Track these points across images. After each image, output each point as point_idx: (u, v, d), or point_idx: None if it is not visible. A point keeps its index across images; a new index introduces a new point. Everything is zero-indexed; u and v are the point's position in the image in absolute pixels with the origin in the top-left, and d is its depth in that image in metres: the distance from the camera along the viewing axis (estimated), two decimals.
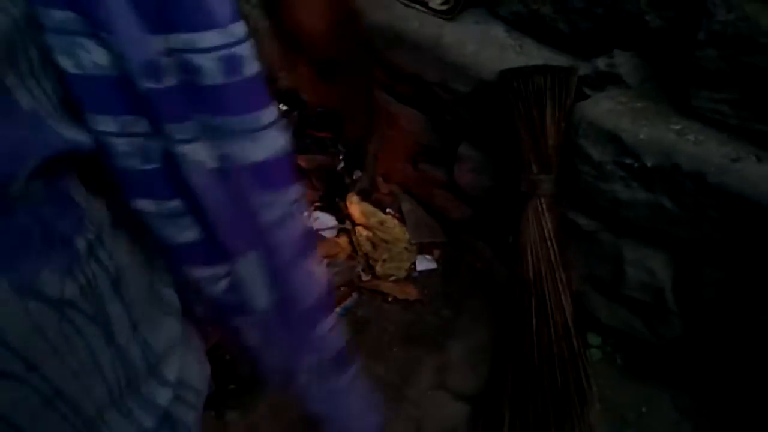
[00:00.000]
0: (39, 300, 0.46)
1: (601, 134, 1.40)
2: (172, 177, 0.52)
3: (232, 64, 0.50)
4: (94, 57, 0.46)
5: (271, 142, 0.54)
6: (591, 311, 1.70)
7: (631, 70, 1.44)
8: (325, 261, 2.01)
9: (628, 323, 1.64)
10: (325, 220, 2.16)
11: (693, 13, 1.29)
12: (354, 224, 2.11)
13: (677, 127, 1.35)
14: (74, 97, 0.47)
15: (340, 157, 2.32)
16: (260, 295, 0.61)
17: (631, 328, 1.63)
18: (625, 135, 1.36)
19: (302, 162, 2.29)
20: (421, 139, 1.97)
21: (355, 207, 2.13)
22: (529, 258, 1.52)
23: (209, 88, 0.50)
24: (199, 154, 0.51)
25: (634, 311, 1.61)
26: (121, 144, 0.49)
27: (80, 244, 0.49)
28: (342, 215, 2.17)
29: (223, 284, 0.59)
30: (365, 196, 2.20)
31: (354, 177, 2.30)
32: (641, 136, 1.35)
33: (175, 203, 0.53)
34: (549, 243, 1.51)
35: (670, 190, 1.34)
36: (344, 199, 2.18)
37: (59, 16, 0.44)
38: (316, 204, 2.22)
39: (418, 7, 1.77)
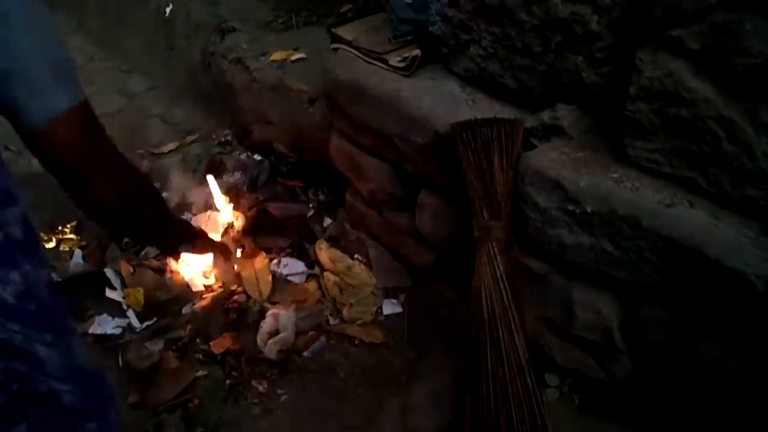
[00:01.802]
0: None
1: (546, 182, 1.48)
2: None
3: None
4: None
5: None
6: (547, 352, 1.75)
7: (573, 122, 1.53)
8: (294, 305, 2.06)
9: (582, 363, 1.69)
10: (294, 266, 2.23)
11: (625, 70, 1.38)
12: (322, 270, 2.18)
13: (615, 175, 1.44)
14: None
15: (310, 205, 2.40)
16: None
17: (585, 367, 1.69)
18: (567, 183, 1.45)
19: (273, 210, 2.37)
20: (385, 187, 2.05)
21: (324, 253, 2.19)
22: (484, 300, 1.59)
23: None
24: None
25: (586, 351, 1.67)
26: None
27: None
28: (311, 261, 2.23)
29: None
30: (334, 243, 2.26)
31: (323, 224, 2.38)
32: (582, 184, 1.43)
33: None
34: (502, 285, 1.57)
35: (609, 234, 1.42)
36: (313, 246, 2.25)
37: None
38: (286, 250, 2.28)
39: (378, 64, 1.87)
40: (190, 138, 3.06)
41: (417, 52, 1.78)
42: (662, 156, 1.38)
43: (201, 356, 1.99)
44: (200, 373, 1.93)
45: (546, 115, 1.56)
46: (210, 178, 2.36)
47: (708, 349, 1.40)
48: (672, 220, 1.34)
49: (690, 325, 1.41)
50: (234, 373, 1.95)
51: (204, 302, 2.13)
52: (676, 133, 1.33)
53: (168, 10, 3.32)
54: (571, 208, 1.45)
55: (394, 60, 1.83)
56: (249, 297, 2.13)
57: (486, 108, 1.70)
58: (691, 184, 1.36)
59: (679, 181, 1.39)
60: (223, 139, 2.98)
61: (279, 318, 2.00)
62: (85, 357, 0.97)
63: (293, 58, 2.56)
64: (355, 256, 2.23)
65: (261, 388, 1.90)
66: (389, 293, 2.15)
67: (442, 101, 1.73)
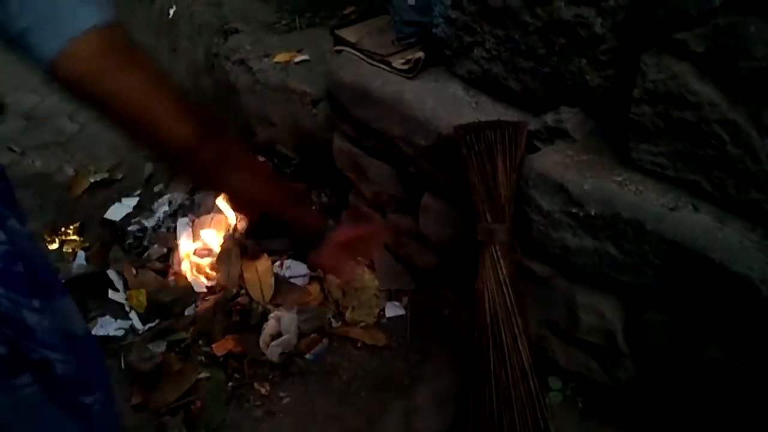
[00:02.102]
0: None
1: (550, 185, 1.48)
2: None
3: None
4: None
5: None
6: (551, 355, 1.75)
7: (577, 125, 1.53)
8: (297, 308, 2.06)
9: (585, 366, 1.69)
10: (297, 268, 2.23)
11: (629, 72, 1.38)
12: (325, 272, 2.17)
13: (619, 178, 1.43)
14: None
15: (313, 207, 2.40)
16: None
17: (589, 371, 1.68)
18: (570, 185, 1.44)
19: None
20: (388, 190, 2.05)
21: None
22: (487, 304, 1.58)
23: None
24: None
25: (590, 354, 1.66)
26: None
27: None
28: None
29: None
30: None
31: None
32: (585, 187, 1.43)
33: None
34: (505, 289, 1.57)
35: (613, 237, 1.41)
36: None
37: None
38: (289, 253, 2.28)
39: (381, 66, 1.87)
40: None
41: (420, 54, 1.78)
42: (666, 159, 1.37)
43: (203, 358, 1.99)
44: (202, 375, 1.93)
45: (550, 118, 1.55)
46: None
47: (711, 352, 1.39)
48: (676, 224, 1.33)
49: (694, 328, 1.41)
50: (236, 375, 1.95)
51: (206, 304, 2.13)
52: (681, 136, 1.32)
53: (171, 11, 3.32)
54: (574, 211, 1.45)
55: (398, 62, 1.83)
56: (251, 299, 2.13)
57: (489, 110, 1.69)
58: (695, 187, 1.36)
59: (684, 185, 1.38)
60: None
61: (281, 320, 2.00)
62: (77, 322, 0.92)
63: (296, 59, 2.55)
64: (358, 258, 2.22)
65: (263, 391, 1.90)
66: (392, 296, 2.15)
67: (445, 103, 1.73)
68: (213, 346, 1.99)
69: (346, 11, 2.83)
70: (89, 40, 0.71)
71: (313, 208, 1.13)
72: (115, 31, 0.74)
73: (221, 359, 1.97)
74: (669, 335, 1.46)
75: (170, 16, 3.32)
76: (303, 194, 1.33)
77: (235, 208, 1.11)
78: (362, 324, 2.06)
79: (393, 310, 2.11)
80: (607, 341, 1.58)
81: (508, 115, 1.67)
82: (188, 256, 2.28)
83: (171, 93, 0.81)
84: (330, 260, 1.20)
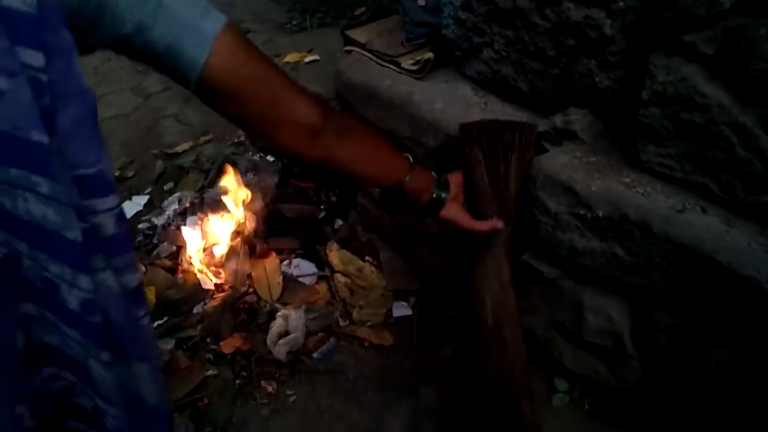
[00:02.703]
0: None
1: (557, 186, 1.48)
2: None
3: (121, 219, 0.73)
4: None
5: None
6: (557, 357, 1.75)
7: (586, 126, 1.53)
8: (304, 306, 2.07)
9: (592, 368, 1.69)
10: (305, 267, 2.23)
11: (638, 74, 1.38)
12: (333, 271, 2.18)
13: (627, 179, 1.43)
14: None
15: (322, 207, 2.41)
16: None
17: (596, 372, 1.68)
18: (578, 187, 1.44)
19: (285, 211, 2.37)
20: None
21: (335, 255, 2.20)
22: (488, 307, 1.58)
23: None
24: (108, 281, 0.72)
25: (597, 356, 1.66)
26: None
27: None
28: (322, 263, 2.24)
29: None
30: (344, 245, 2.27)
31: (335, 226, 2.38)
32: (593, 188, 1.43)
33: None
34: (506, 292, 1.57)
35: (620, 239, 1.41)
36: (324, 247, 2.26)
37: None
38: (297, 252, 2.29)
39: (391, 66, 1.88)
40: (203, 138, 3.08)
41: (430, 55, 1.79)
42: (675, 161, 1.37)
43: (211, 356, 2.00)
44: (210, 372, 1.94)
45: (558, 119, 1.55)
46: (224, 179, 2.38)
47: (719, 355, 1.38)
48: (684, 226, 1.33)
49: (701, 331, 1.40)
50: (243, 373, 1.96)
51: (215, 302, 2.15)
52: (689, 138, 1.32)
53: None
54: (582, 212, 1.45)
55: (407, 63, 1.83)
56: (259, 298, 2.14)
57: (498, 111, 1.69)
58: (703, 189, 1.35)
59: (692, 187, 1.38)
60: (236, 140, 3.00)
61: (289, 319, 2.01)
62: (153, 393, 0.85)
63: (307, 59, 2.58)
64: (366, 258, 2.23)
65: (270, 389, 1.91)
66: (399, 296, 2.15)
67: (454, 104, 1.73)
68: (221, 343, 2.00)
69: (357, 12, 2.85)
70: (226, 37, 0.81)
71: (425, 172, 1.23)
72: (235, 27, 0.85)
73: (228, 357, 1.98)
74: (676, 338, 1.45)
75: None
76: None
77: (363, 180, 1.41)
78: (369, 323, 2.07)
79: (400, 310, 2.11)
80: (614, 343, 1.58)
81: (517, 116, 1.67)
82: (197, 254, 2.29)
83: (291, 81, 0.92)
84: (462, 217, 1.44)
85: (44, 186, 0.62)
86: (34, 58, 0.60)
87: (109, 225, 0.72)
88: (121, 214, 0.74)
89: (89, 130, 0.68)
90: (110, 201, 0.71)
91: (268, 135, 0.93)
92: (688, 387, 1.50)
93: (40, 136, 0.60)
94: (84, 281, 0.68)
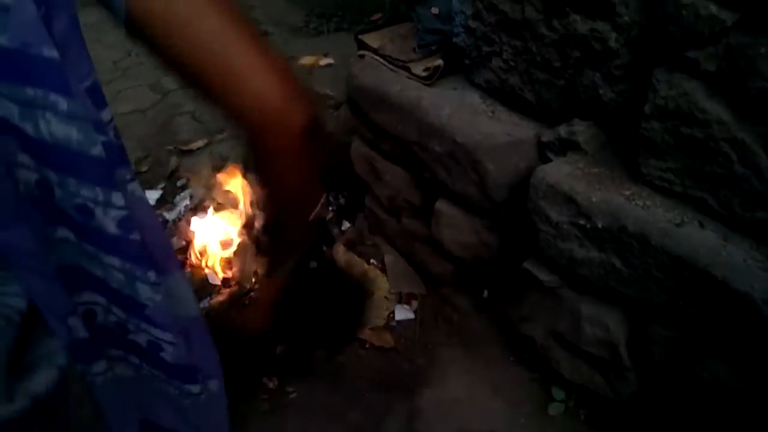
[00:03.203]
0: None
1: (559, 196, 1.50)
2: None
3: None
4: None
5: None
6: (555, 366, 1.76)
7: (589, 138, 1.54)
8: None
9: (589, 378, 1.70)
10: None
11: (641, 88, 1.39)
12: (336, 271, 2.20)
13: (628, 192, 1.45)
14: None
15: (330, 209, 2.43)
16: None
17: (592, 383, 1.69)
18: (579, 197, 1.46)
19: None
20: (403, 194, 2.08)
21: (340, 257, 2.22)
22: None
23: None
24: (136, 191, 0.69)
25: (594, 367, 1.67)
26: None
27: None
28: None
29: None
30: (351, 247, 2.29)
31: (342, 228, 2.41)
32: (594, 199, 1.44)
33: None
34: None
35: (618, 250, 1.43)
36: (331, 249, 2.28)
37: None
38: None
39: (402, 72, 1.90)
40: (218, 136, 3.12)
41: (440, 62, 1.81)
42: (674, 175, 1.39)
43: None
44: None
45: (563, 130, 1.57)
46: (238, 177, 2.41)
47: (713, 369, 1.39)
48: (681, 240, 1.34)
49: (696, 344, 1.42)
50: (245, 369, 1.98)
51: (221, 297, 2.17)
52: (689, 153, 1.33)
53: None
54: (582, 222, 1.47)
55: (418, 69, 1.86)
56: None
57: (505, 120, 1.72)
58: (702, 204, 1.37)
59: (691, 201, 1.39)
60: None
61: None
62: (190, 303, 0.79)
63: (322, 63, 2.61)
64: (371, 260, 2.25)
65: (271, 385, 1.93)
66: (402, 299, 2.17)
67: (461, 111, 1.76)
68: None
69: (374, 17, 2.87)
70: None
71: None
72: None
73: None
74: (672, 350, 1.47)
75: None
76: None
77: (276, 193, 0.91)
78: (371, 325, 2.08)
79: (402, 313, 2.13)
80: (610, 354, 1.59)
81: (523, 125, 1.69)
82: (205, 249, 2.32)
83: (256, 42, 0.70)
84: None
85: (63, 104, 0.58)
86: None
87: (113, 136, 0.66)
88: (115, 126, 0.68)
89: (78, 41, 0.63)
90: (108, 112, 0.66)
91: (221, 99, 0.72)
92: (683, 400, 1.51)
93: (51, 52, 0.57)
94: (117, 198, 0.64)
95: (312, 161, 0.79)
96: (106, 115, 0.65)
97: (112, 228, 0.65)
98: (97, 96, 0.65)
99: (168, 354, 0.75)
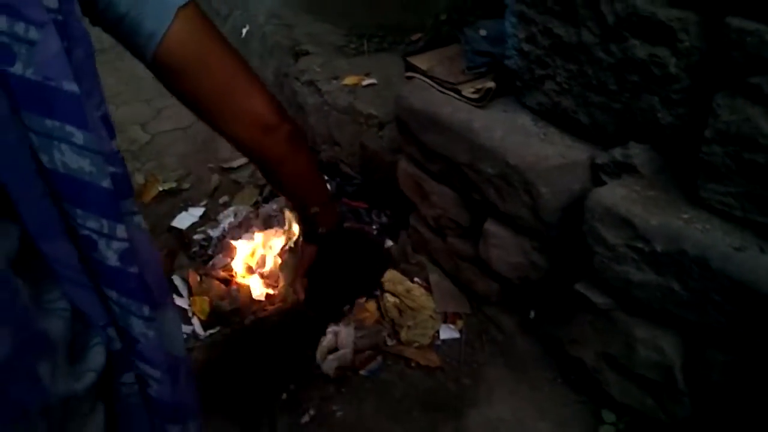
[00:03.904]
0: None
1: (615, 219, 1.50)
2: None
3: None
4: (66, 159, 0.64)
5: None
6: (605, 388, 1.76)
7: (646, 161, 1.55)
8: (354, 324, 2.11)
9: (640, 401, 1.69)
10: None
11: (700, 112, 1.40)
12: (383, 291, 2.21)
13: (686, 215, 1.44)
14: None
15: (373, 227, 2.45)
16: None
17: (644, 406, 1.68)
18: (637, 220, 1.46)
19: None
20: (450, 214, 2.09)
21: (385, 275, 2.23)
22: None
23: None
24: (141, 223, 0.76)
25: (646, 389, 1.66)
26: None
27: None
28: None
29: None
30: (395, 265, 2.31)
31: (385, 246, 2.42)
32: (652, 222, 1.44)
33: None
34: None
35: (677, 273, 1.42)
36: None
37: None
38: None
39: (451, 94, 1.92)
40: None
41: (491, 84, 1.83)
42: (734, 199, 1.38)
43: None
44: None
45: (618, 153, 1.58)
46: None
47: None
48: (741, 264, 1.34)
49: (756, 370, 1.40)
50: (291, 386, 2.00)
51: (265, 314, 2.20)
52: (750, 177, 1.33)
53: (244, 30, 3.45)
54: (640, 245, 1.47)
55: (468, 91, 1.88)
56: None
57: (557, 142, 1.72)
58: (762, 229, 1.36)
59: (750, 225, 1.38)
60: None
61: (339, 335, 2.05)
62: (178, 341, 0.84)
63: (364, 83, 2.63)
64: (415, 279, 2.26)
65: (316, 403, 1.95)
66: (447, 318, 2.18)
67: (513, 133, 1.77)
68: None
69: (414, 37, 2.90)
70: (188, 12, 0.78)
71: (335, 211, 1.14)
72: (198, 4, 0.81)
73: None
74: (730, 375, 1.46)
75: (242, 35, 3.45)
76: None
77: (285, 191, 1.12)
78: (416, 344, 2.09)
79: (447, 332, 2.14)
80: (665, 377, 1.58)
81: (576, 147, 1.70)
82: (249, 266, 2.35)
83: (252, 72, 0.88)
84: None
85: (78, 136, 0.63)
86: (50, 0, 0.61)
87: (121, 168, 0.71)
88: (122, 157, 0.75)
89: (93, 71, 0.68)
90: (115, 143, 0.72)
91: (223, 123, 0.87)
92: (739, 425, 1.49)
93: (71, 86, 0.61)
94: (120, 230, 0.69)
95: (306, 156, 1.00)
96: (115, 145, 0.71)
97: (113, 260, 0.69)
98: (108, 126, 0.70)
99: (154, 391, 0.80)
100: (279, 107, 0.90)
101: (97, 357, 0.73)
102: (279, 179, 1.02)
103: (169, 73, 0.81)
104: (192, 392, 0.89)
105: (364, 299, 2.18)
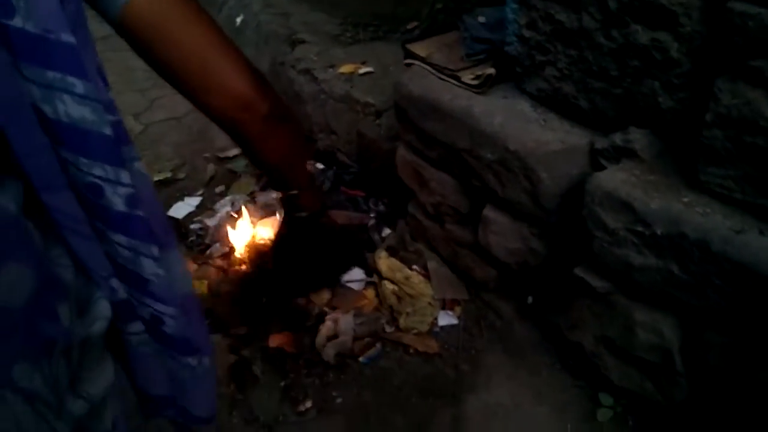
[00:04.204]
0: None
1: (615, 203, 1.51)
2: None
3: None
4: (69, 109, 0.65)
5: None
6: (603, 371, 1.77)
7: (646, 145, 1.56)
8: (353, 311, 2.11)
9: (639, 384, 1.71)
10: (354, 273, 2.28)
11: (701, 96, 1.41)
12: (381, 278, 2.22)
13: (686, 199, 1.46)
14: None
15: (371, 215, 2.46)
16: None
17: (642, 389, 1.70)
18: (637, 204, 1.47)
19: (335, 217, 2.42)
20: (449, 201, 2.09)
21: (383, 262, 2.24)
22: None
23: None
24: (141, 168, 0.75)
25: (644, 372, 1.68)
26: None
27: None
28: (370, 269, 2.28)
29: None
30: (393, 253, 2.31)
31: (383, 234, 2.43)
32: (652, 206, 1.46)
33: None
34: None
35: (678, 257, 1.44)
36: (373, 254, 2.30)
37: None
38: None
39: (451, 81, 1.93)
40: None
41: (491, 70, 1.83)
42: (734, 183, 1.40)
43: (260, 354, 2.05)
44: (257, 371, 2.00)
45: (618, 138, 1.59)
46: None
47: None
48: (742, 247, 1.35)
49: (754, 352, 1.42)
50: (291, 374, 2.00)
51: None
52: (751, 161, 1.35)
53: (239, 19, 3.44)
54: (640, 229, 1.48)
55: (467, 77, 1.88)
56: (309, 300, 2.19)
57: (557, 128, 1.73)
58: (762, 211, 1.38)
59: (751, 209, 1.40)
60: None
61: (338, 322, 2.06)
62: (186, 278, 0.86)
63: (361, 71, 2.63)
64: (413, 266, 2.27)
65: (316, 390, 1.95)
66: (445, 305, 2.19)
67: (513, 119, 1.78)
68: (269, 338, 2.05)
69: (410, 26, 2.90)
70: None
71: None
72: None
73: (277, 356, 2.03)
74: (728, 357, 1.47)
75: (237, 24, 3.44)
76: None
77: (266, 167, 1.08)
78: (415, 331, 2.10)
79: (446, 319, 2.15)
80: (663, 360, 1.60)
81: (575, 132, 1.71)
82: (245, 254, 2.35)
83: (230, 45, 0.85)
84: None
85: (79, 86, 0.64)
86: None
87: (118, 116, 0.71)
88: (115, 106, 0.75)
89: (85, 24, 0.68)
90: (110, 92, 0.72)
91: (196, 96, 0.84)
92: (737, 407, 1.51)
93: (69, 38, 0.62)
94: (124, 176, 0.70)
95: (286, 137, 0.97)
96: (110, 94, 0.71)
97: (120, 205, 0.71)
98: (102, 76, 0.71)
99: (169, 327, 0.82)
100: (259, 83, 0.87)
101: (103, 308, 0.76)
102: (256, 157, 1.00)
103: (136, 40, 0.79)
104: (203, 327, 0.91)
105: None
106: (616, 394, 1.81)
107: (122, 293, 0.77)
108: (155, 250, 0.76)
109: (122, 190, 0.70)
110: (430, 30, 2.31)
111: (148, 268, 0.76)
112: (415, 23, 2.91)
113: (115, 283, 0.76)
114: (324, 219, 1.20)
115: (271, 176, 1.09)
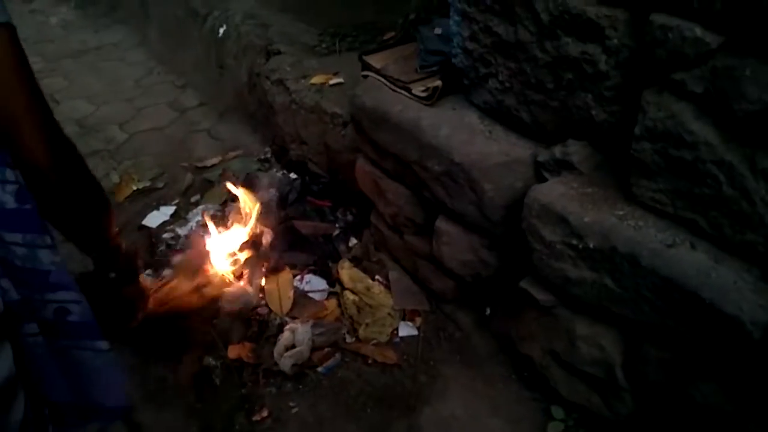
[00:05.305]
0: None
1: (552, 216, 1.51)
2: None
3: None
4: None
5: None
6: (553, 385, 1.76)
7: (584, 158, 1.55)
8: (312, 321, 2.12)
9: (586, 398, 1.69)
10: (316, 283, 2.29)
11: (632, 109, 1.40)
12: (343, 288, 2.23)
13: (621, 212, 1.45)
14: None
15: (337, 225, 2.46)
16: None
17: (589, 403, 1.69)
18: (572, 217, 1.47)
19: (300, 227, 2.43)
20: (405, 212, 2.09)
21: (345, 272, 2.25)
22: None
23: None
24: None
25: (591, 386, 1.67)
26: None
27: None
28: (333, 279, 2.29)
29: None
30: (357, 263, 2.32)
31: (349, 244, 2.43)
32: (586, 219, 1.45)
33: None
34: None
35: (610, 270, 1.43)
36: (336, 264, 2.31)
37: None
38: (310, 267, 2.34)
39: (402, 92, 1.93)
40: (232, 153, 3.18)
41: (438, 83, 1.83)
42: (665, 196, 1.39)
43: (219, 363, 2.05)
44: (217, 380, 2.00)
45: (557, 150, 1.58)
46: (241, 193, 2.45)
47: (704, 390, 1.39)
48: (671, 261, 1.34)
49: (687, 366, 1.41)
50: (249, 383, 2.01)
51: (227, 310, 2.20)
52: (679, 174, 1.34)
53: (221, 30, 3.46)
54: (574, 242, 1.47)
55: (418, 89, 1.88)
56: (270, 310, 2.20)
57: (502, 140, 1.73)
58: (693, 225, 1.37)
59: (682, 222, 1.39)
60: (263, 157, 3.08)
61: (296, 332, 2.06)
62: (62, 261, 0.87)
63: (332, 82, 2.64)
64: (376, 277, 2.27)
65: (273, 399, 1.96)
66: (406, 316, 2.19)
67: (459, 131, 1.78)
68: (228, 348, 2.06)
69: (386, 36, 2.90)
70: (3, 33, 0.78)
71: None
72: (13, 31, 0.81)
73: (236, 366, 2.03)
74: (664, 371, 1.46)
75: (219, 35, 3.46)
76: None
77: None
78: (374, 341, 2.10)
79: (406, 329, 2.14)
80: (606, 374, 1.59)
81: (520, 145, 1.71)
82: (215, 263, 2.36)
83: (42, 106, 0.85)
84: None
85: None
86: None
87: None
88: None
89: None
90: None
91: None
92: (677, 421, 1.50)
93: None
94: (9, 174, 0.72)
95: (80, 206, 0.95)
96: None
97: (11, 203, 0.74)
98: None
99: (74, 315, 0.84)
100: (53, 155, 0.86)
101: None
102: (50, 216, 0.94)
103: None
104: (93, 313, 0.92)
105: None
106: (567, 407, 1.80)
107: (14, 294, 0.78)
108: (48, 239, 0.78)
109: (11, 188, 0.73)
110: (403, 41, 2.32)
111: (45, 258, 0.79)
112: (392, 33, 2.91)
113: (5, 283, 0.77)
114: (130, 287, 1.27)
115: (70, 237, 1.04)
